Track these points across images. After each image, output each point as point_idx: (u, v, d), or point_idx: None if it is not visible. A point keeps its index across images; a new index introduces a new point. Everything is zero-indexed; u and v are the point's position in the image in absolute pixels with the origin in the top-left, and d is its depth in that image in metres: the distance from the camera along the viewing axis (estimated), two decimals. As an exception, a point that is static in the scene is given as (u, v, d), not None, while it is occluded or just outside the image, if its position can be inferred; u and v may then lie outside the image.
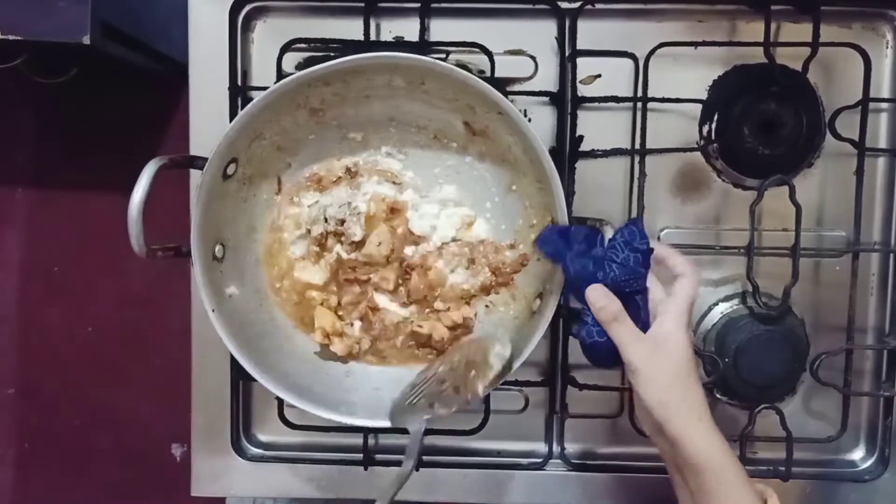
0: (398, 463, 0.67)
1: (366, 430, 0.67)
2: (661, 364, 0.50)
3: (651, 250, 0.52)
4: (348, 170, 0.63)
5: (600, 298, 0.51)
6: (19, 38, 0.71)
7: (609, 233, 0.53)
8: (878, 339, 0.67)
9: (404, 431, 0.56)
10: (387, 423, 0.57)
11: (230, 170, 0.58)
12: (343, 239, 0.63)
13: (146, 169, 0.52)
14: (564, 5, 0.63)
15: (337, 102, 0.60)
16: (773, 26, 0.62)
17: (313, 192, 0.63)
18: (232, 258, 0.60)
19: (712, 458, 0.49)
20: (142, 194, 0.52)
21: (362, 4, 0.63)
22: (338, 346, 0.62)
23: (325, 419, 0.58)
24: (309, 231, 0.63)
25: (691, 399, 0.50)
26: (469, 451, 0.69)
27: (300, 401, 0.57)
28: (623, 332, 0.51)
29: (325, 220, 0.62)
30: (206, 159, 0.55)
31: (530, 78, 0.65)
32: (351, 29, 0.64)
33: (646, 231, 0.52)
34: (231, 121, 0.64)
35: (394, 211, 0.63)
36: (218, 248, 0.59)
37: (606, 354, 0.52)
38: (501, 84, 0.65)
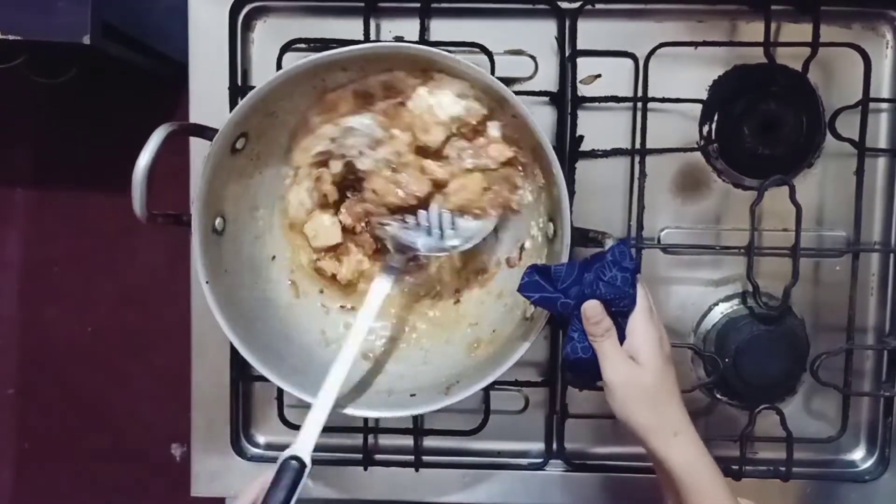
0: (398, 463, 0.67)
1: (365, 431, 0.67)
2: (635, 382, 0.50)
3: (636, 270, 0.51)
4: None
5: (597, 313, 0.51)
6: (19, 38, 0.71)
7: (611, 245, 0.52)
8: (878, 339, 0.67)
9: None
10: (370, 413, 0.57)
11: (239, 144, 0.57)
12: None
13: (155, 133, 0.52)
14: (564, 5, 0.63)
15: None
16: (773, 26, 0.62)
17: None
18: (231, 233, 0.60)
19: (690, 474, 0.49)
20: (148, 158, 0.51)
21: (362, 4, 0.63)
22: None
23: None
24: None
25: (666, 418, 0.50)
26: (469, 452, 0.69)
27: (285, 383, 0.57)
28: (608, 347, 0.50)
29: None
30: (215, 130, 0.54)
31: (530, 78, 0.65)
32: (351, 29, 0.64)
33: (633, 252, 0.53)
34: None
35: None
36: (218, 221, 0.58)
37: (588, 372, 0.52)
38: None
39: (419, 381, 0.61)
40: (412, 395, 0.59)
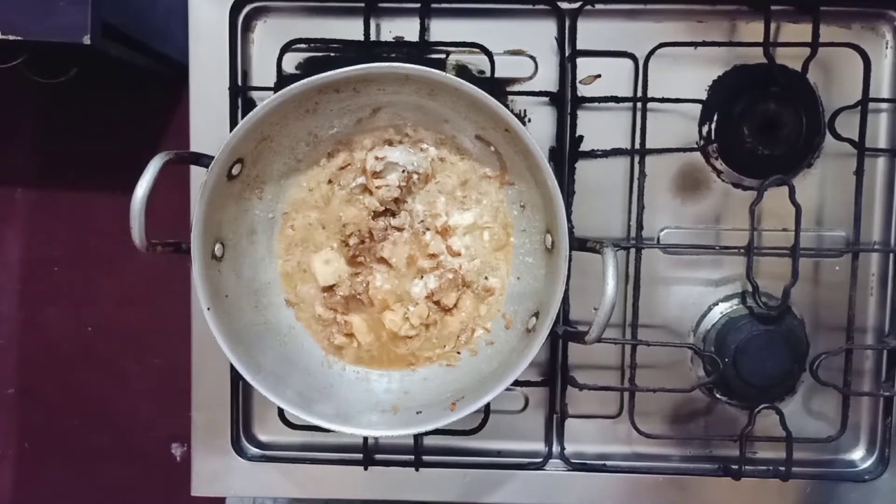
0: (398, 463, 0.68)
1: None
2: None
3: None
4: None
5: None
6: (19, 38, 0.71)
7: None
8: (878, 339, 0.67)
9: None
10: (379, 433, 0.57)
11: (235, 170, 0.58)
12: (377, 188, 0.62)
13: (152, 163, 0.52)
14: (564, 5, 0.63)
15: (346, 111, 0.60)
16: (772, 26, 0.62)
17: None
18: (231, 258, 0.60)
19: None
20: (146, 188, 0.52)
21: (362, 4, 0.63)
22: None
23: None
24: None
25: None
26: (469, 451, 0.69)
27: (290, 405, 0.57)
28: None
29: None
30: (211, 157, 0.55)
31: (530, 78, 0.65)
32: (351, 29, 0.64)
33: None
34: (231, 121, 0.64)
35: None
36: (217, 247, 0.59)
37: None
38: (501, 84, 0.65)
39: (424, 398, 0.61)
40: (418, 413, 0.59)
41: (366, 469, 0.67)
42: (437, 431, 0.66)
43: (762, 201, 0.61)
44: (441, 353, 0.64)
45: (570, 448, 0.68)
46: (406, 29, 0.65)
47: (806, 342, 0.64)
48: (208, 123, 0.65)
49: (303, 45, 0.64)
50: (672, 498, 0.67)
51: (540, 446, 0.69)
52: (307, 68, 0.66)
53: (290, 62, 0.65)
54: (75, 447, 1.10)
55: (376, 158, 0.61)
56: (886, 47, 0.65)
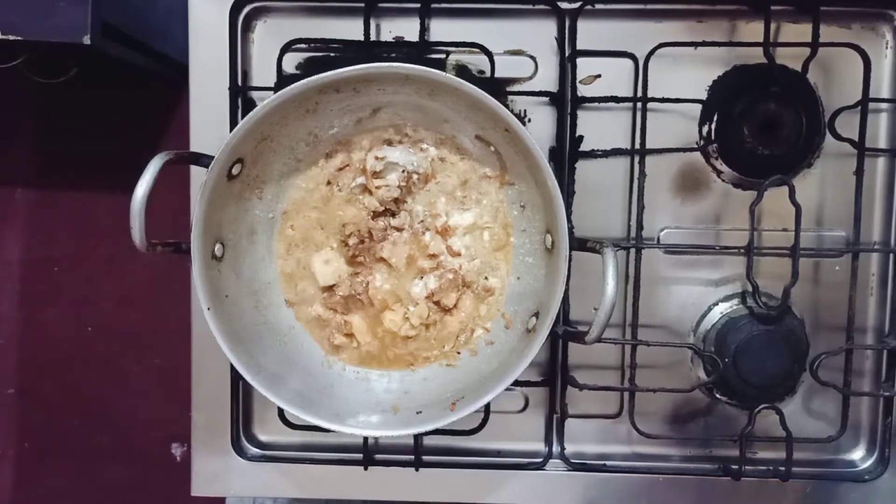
0: (398, 463, 0.68)
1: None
2: None
3: None
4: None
5: None
6: (19, 38, 0.71)
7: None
8: (878, 339, 0.67)
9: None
10: (379, 433, 0.58)
11: (235, 170, 0.58)
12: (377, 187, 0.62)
13: (152, 163, 0.52)
14: (564, 5, 0.63)
15: (346, 111, 0.60)
16: (772, 26, 0.62)
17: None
18: (231, 258, 0.60)
19: None
20: (146, 188, 0.52)
21: (362, 5, 0.63)
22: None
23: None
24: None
25: None
26: (469, 451, 0.69)
27: (290, 405, 0.57)
28: None
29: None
30: (211, 157, 0.55)
31: (530, 78, 0.65)
32: (351, 29, 0.64)
33: None
34: (231, 121, 0.64)
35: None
36: (217, 247, 0.59)
37: None
38: (501, 84, 0.65)
39: (424, 398, 0.61)
40: (418, 413, 0.59)
41: (366, 469, 0.67)
42: (437, 431, 0.66)
43: (762, 201, 0.61)
44: (441, 353, 0.64)
45: (570, 448, 0.68)
46: (406, 29, 0.65)
47: (806, 342, 0.64)
48: (208, 123, 0.65)
49: (303, 45, 0.64)
50: (672, 498, 0.67)
51: (540, 446, 0.69)
52: (307, 68, 0.66)
53: (290, 62, 0.65)
54: (75, 447, 1.10)
55: (376, 158, 0.61)
56: (886, 47, 0.65)
